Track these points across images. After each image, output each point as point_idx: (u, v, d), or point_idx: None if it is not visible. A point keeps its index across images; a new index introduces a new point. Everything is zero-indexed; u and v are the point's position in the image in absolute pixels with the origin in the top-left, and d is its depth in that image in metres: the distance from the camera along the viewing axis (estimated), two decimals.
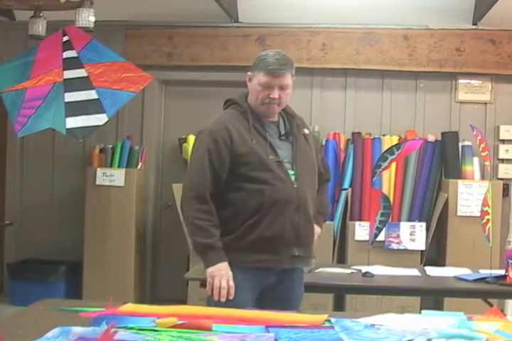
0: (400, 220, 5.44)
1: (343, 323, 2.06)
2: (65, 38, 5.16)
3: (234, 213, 2.76)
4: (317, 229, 2.97)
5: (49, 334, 1.93)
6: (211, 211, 2.73)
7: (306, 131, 2.93)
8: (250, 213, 2.73)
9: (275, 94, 2.74)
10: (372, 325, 2.06)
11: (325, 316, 2.19)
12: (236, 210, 2.76)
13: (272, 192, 2.71)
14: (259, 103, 2.78)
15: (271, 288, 2.80)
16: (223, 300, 2.65)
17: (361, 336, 1.95)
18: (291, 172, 2.77)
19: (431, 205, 5.51)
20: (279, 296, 2.79)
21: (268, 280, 2.79)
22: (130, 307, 2.37)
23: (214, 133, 2.76)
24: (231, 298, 2.66)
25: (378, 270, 3.92)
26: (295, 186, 2.75)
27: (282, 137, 2.83)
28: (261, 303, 2.71)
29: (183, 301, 5.17)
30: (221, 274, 2.69)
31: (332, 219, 5.45)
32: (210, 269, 2.72)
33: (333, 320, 2.11)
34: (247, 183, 2.73)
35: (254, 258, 2.74)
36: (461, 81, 5.75)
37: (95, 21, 4.81)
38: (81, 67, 5.09)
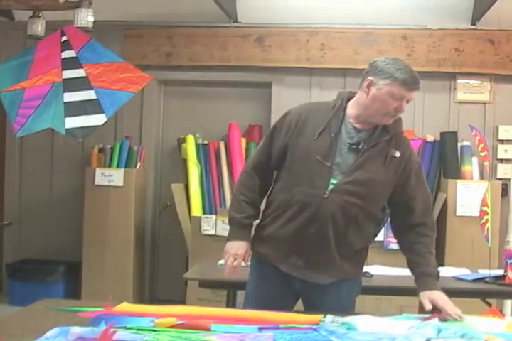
0: None
1: (326, 327, 2.05)
2: (64, 38, 5.15)
3: (269, 201, 2.77)
4: (430, 294, 2.60)
5: (48, 334, 1.93)
6: (253, 187, 2.74)
7: (396, 154, 2.66)
8: (276, 206, 2.71)
9: (404, 108, 2.62)
10: (350, 328, 2.06)
11: (320, 316, 2.20)
12: (271, 199, 2.76)
13: (297, 191, 2.61)
14: (382, 113, 2.61)
15: (304, 299, 2.77)
16: (228, 275, 2.71)
17: (351, 339, 1.95)
18: (333, 181, 2.58)
19: None
20: (312, 309, 2.63)
21: (292, 285, 2.73)
22: (126, 306, 2.37)
23: (289, 115, 2.73)
24: (235, 275, 2.70)
25: (377, 270, 3.93)
26: (325, 196, 2.57)
27: (353, 146, 2.61)
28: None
29: (181, 301, 5.17)
30: (230, 251, 2.71)
31: None
32: (228, 243, 2.75)
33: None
34: (285, 174, 2.70)
35: (259, 251, 2.75)
36: (460, 81, 5.75)
37: (94, 21, 4.81)
38: (80, 67, 5.08)
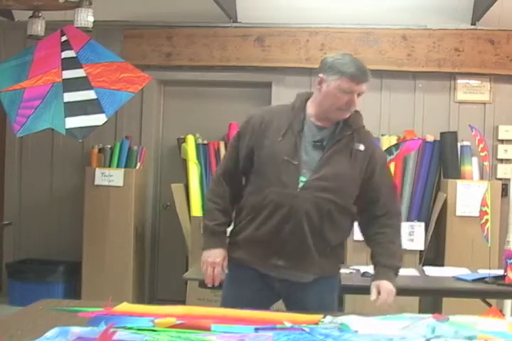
0: None
1: (317, 330, 2.04)
2: (64, 38, 5.15)
3: (241, 205, 2.77)
4: (381, 283, 2.68)
5: (48, 334, 1.93)
6: (223, 194, 2.74)
7: (361, 148, 2.70)
8: (249, 209, 2.72)
9: (356, 101, 2.64)
10: (347, 329, 2.05)
11: (320, 316, 2.19)
12: (243, 203, 2.76)
13: (269, 192, 2.64)
14: (335, 108, 2.65)
15: (285, 299, 2.78)
16: (210, 285, 2.68)
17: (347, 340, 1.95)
18: (302, 178, 2.63)
19: (430, 205, 5.51)
20: (294, 308, 2.65)
21: (272, 286, 2.74)
22: (126, 306, 2.37)
23: (252, 119, 2.77)
24: (216, 284, 2.68)
25: None
26: (296, 193, 2.61)
27: (317, 143, 2.67)
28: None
29: (181, 301, 5.18)
30: (208, 260, 2.71)
31: None
32: (203, 252, 2.75)
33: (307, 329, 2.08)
34: (255, 177, 2.72)
35: (234, 256, 2.75)
36: (460, 81, 5.75)
37: (94, 21, 4.81)
38: (80, 67, 5.09)
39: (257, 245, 2.69)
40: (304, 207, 2.61)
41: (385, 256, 2.74)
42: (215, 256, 2.71)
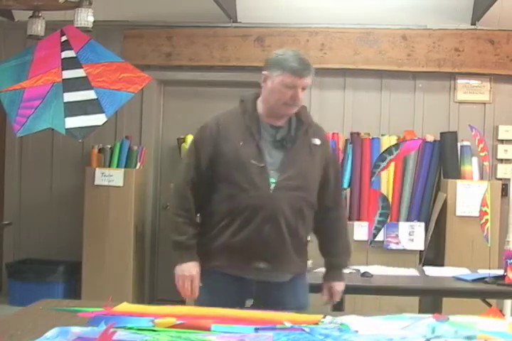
0: (398, 220, 5.45)
1: (317, 330, 2.04)
2: (64, 38, 5.16)
3: (209, 214, 2.73)
4: (334, 285, 2.85)
5: (48, 334, 1.93)
6: (189, 208, 2.70)
7: (317, 142, 2.78)
8: (222, 216, 2.68)
9: (300, 95, 2.67)
10: (347, 329, 2.05)
11: (319, 317, 2.19)
12: (211, 211, 2.72)
13: (243, 197, 2.63)
14: (281, 104, 2.68)
15: (260, 301, 2.73)
16: (187, 299, 2.64)
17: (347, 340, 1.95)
18: (272, 180, 2.65)
19: (430, 205, 5.51)
20: (272, 309, 2.67)
21: (249, 289, 2.72)
22: (126, 306, 2.37)
23: (204, 128, 2.76)
24: (194, 297, 2.63)
25: (377, 270, 3.93)
26: (270, 195, 2.63)
27: (277, 143, 2.72)
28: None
29: (181, 301, 5.17)
30: (184, 274, 2.66)
31: None
32: (176, 268, 2.70)
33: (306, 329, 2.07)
34: (223, 184, 2.69)
35: (214, 264, 2.70)
36: (460, 81, 5.75)
37: (94, 21, 4.81)
38: (79, 67, 5.09)
39: (237, 250, 2.66)
40: (281, 207, 2.65)
41: (338, 255, 2.87)
42: (190, 270, 2.67)
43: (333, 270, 2.87)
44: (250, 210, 2.63)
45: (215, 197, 2.71)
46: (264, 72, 2.74)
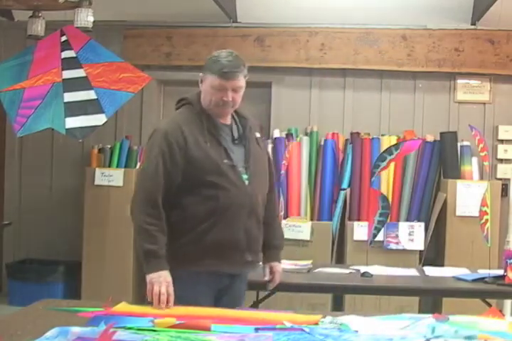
0: (398, 220, 5.45)
1: (317, 330, 2.04)
2: (64, 38, 5.16)
3: (184, 218, 2.71)
4: (275, 265, 2.95)
5: (48, 334, 1.94)
6: (160, 216, 2.66)
7: (258, 135, 2.91)
8: (202, 218, 2.69)
9: (229, 96, 2.71)
10: (347, 329, 2.05)
11: (319, 316, 2.20)
12: (186, 215, 2.71)
13: (226, 197, 2.68)
14: (213, 105, 2.75)
15: (224, 293, 2.78)
16: (163, 306, 2.53)
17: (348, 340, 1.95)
18: (244, 176, 2.74)
19: (429, 205, 5.51)
20: (232, 298, 2.80)
21: (221, 283, 2.77)
22: (125, 306, 2.38)
23: (168, 135, 2.70)
24: (170, 304, 2.56)
25: (377, 270, 3.93)
26: (248, 191, 2.73)
27: (236, 141, 2.79)
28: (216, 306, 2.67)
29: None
30: (160, 281, 2.60)
31: (331, 219, 5.45)
32: (150, 275, 2.62)
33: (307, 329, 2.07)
34: (200, 188, 2.69)
35: (205, 263, 2.70)
36: (460, 81, 5.75)
37: (94, 21, 4.81)
38: (79, 67, 5.09)
39: (228, 247, 2.71)
40: (257, 201, 2.78)
41: (277, 238, 2.97)
42: (166, 277, 2.62)
43: (272, 250, 2.95)
44: (235, 208, 2.70)
45: (190, 200, 2.70)
46: (200, 75, 2.83)
